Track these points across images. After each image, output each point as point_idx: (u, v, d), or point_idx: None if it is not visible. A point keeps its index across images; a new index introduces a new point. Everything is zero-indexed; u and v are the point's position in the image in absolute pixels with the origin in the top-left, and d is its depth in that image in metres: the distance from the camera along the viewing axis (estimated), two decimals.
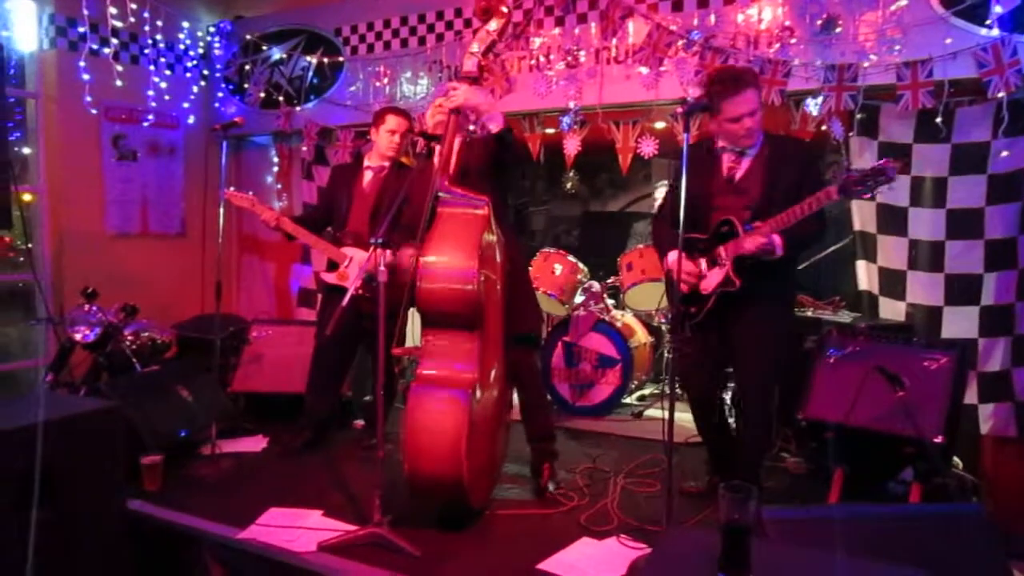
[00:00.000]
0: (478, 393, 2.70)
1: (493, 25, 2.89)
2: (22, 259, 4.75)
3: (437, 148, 2.95)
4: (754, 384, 2.84)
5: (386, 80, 4.65)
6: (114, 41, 4.71)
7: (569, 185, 5.96)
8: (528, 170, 6.04)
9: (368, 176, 3.65)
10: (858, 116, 3.44)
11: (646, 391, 4.85)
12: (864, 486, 2.84)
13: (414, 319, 3.13)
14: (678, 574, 1.66)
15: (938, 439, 2.50)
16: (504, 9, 2.91)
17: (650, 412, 4.42)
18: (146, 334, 3.98)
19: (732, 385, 3.63)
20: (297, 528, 2.71)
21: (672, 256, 2.79)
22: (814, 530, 2.13)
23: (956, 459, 3.21)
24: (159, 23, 4.93)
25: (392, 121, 3.60)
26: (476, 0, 3.05)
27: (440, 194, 2.77)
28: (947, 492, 2.70)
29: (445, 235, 2.70)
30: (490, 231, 2.77)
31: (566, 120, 4.09)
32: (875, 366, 2.66)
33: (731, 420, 3.51)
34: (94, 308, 3.72)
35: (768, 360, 2.79)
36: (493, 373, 2.88)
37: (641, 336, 4.66)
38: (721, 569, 1.58)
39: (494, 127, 2.85)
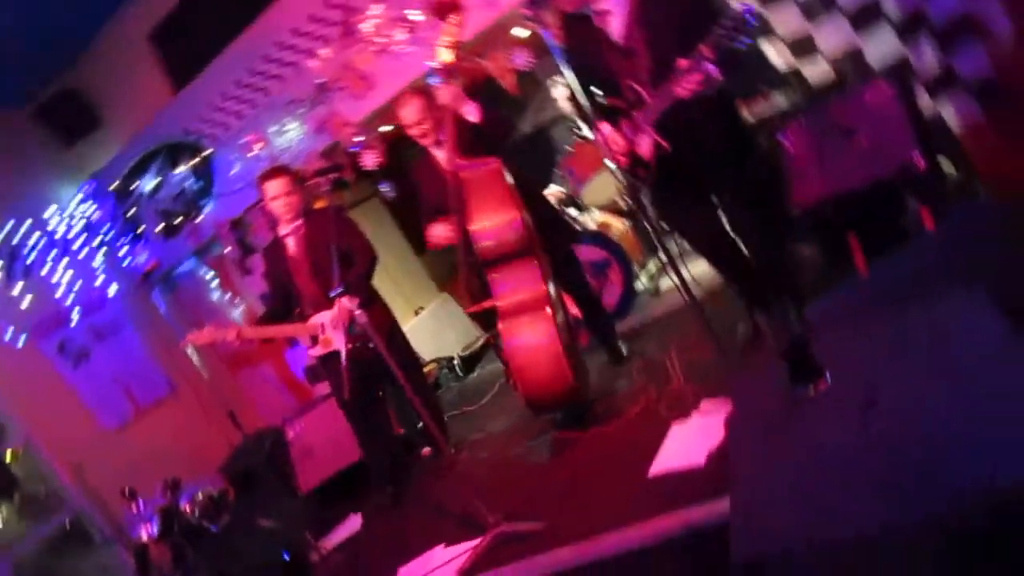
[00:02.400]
0: (552, 303, 3.14)
1: (454, 19, 3.04)
2: (52, 503, 4.72)
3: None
4: (738, 193, 2.80)
5: (259, 145, 4.54)
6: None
7: None
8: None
9: (290, 243, 3.60)
10: None
11: (652, 267, 4.87)
12: (881, 238, 2.86)
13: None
14: (765, 413, 1.69)
15: (920, 162, 2.52)
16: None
17: (665, 284, 4.44)
18: (200, 496, 3.98)
19: None
20: (433, 571, 2.75)
21: (605, 129, 2.75)
22: (860, 302, 2.17)
23: (948, 167, 3.23)
24: (28, 222, 4.78)
25: (269, 188, 3.54)
26: (429, 3, 3.43)
27: (460, 171, 3.12)
28: (952, 202, 2.73)
29: (480, 198, 3.11)
30: (508, 178, 3.16)
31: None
32: (829, 129, 2.66)
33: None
34: (141, 503, 3.71)
35: (735, 175, 2.76)
36: (552, 288, 3.28)
37: (619, 224, 4.66)
38: (798, 384, 1.61)
39: (472, 118, 3.19)
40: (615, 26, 2.70)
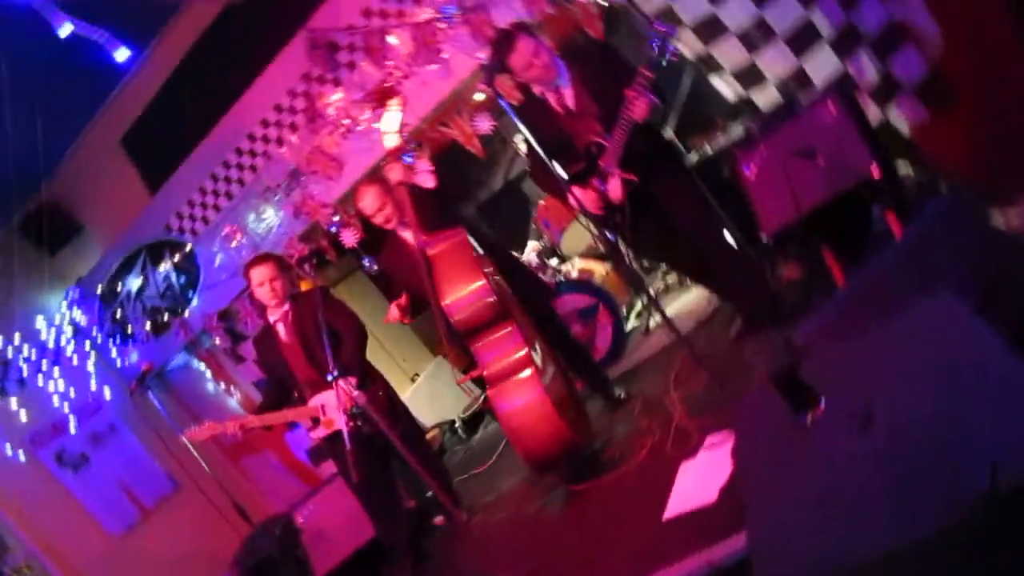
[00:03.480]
0: (537, 363, 3.16)
1: (395, 103, 3.27)
2: None
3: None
4: (704, 229, 3.12)
5: (238, 235, 4.60)
6: None
7: None
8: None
9: (281, 328, 3.63)
10: None
11: (637, 307, 4.92)
12: (855, 248, 2.94)
13: None
14: (768, 442, 1.72)
15: (875, 173, 2.60)
16: (390, 86, 3.46)
17: (654, 322, 4.48)
18: None
19: None
20: None
21: (575, 192, 2.92)
22: (843, 318, 2.21)
23: (906, 168, 3.33)
24: (17, 335, 4.79)
25: (255, 275, 3.58)
26: (367, 95, 3.77)
27: (426, 248, 3.20)
28: (913, 201, 2.82)
29: (448, 272, 3.16)
30: (473, 248, 3.26)
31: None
32: (787, 153, 2.75)
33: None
34: None
35: (697, 206, 3.11)
36: (538, 347, 3.33)
37: (600, 269, 4.72)
38: (795, 412, 1.63)
39: (429, 185, 3.41)
40: (566, 95, 2.99)
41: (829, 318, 2.23)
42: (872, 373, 1.64)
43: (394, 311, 3.53)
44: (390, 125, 3.26)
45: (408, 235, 3.41)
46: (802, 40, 3.39)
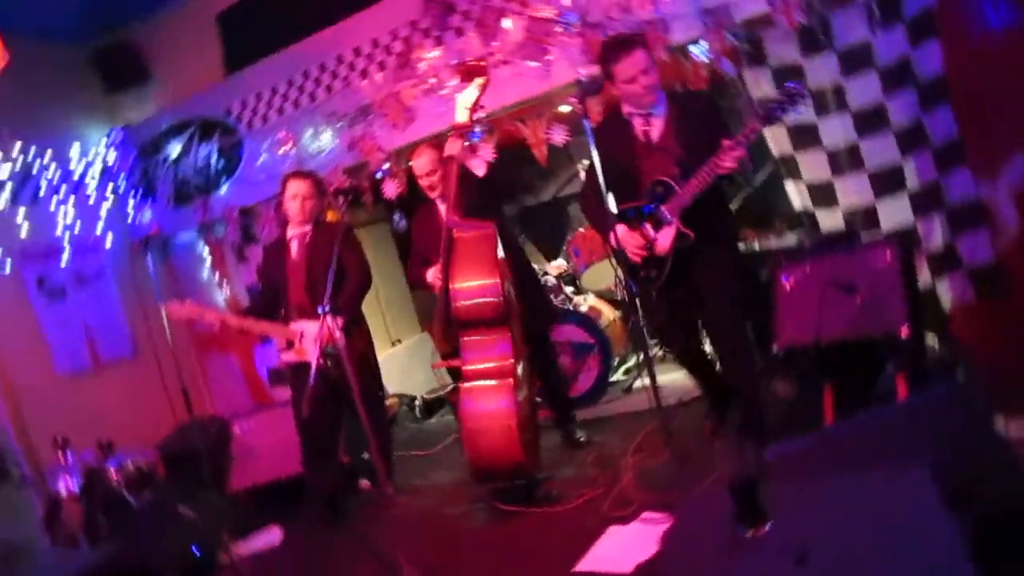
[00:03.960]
0: (519, 379, 3.15)
1: (478, 82, 3.26)
2: None
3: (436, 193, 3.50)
4: (727, 325, 2.98)
5: (289, 145, 4.62)
6: (8, 185, 4.59)
7: None
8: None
9: (294, 246, 3.64)
10: (744, 49, 3.53)
11: (630, 363, 4.91)
12: (854, 393, 2.93)
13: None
14: (701, 541, 1.71)
15: (904, 330, 2.59)
16: (483, 65, 3.32)
17: (639, 383, 4.47)
18: (130, 464, 3.90)
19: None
20: None
21: (619, 231, 2.89)
22: (818, 455, 2.20)
23: (933, 339, 3.32)
24: (49, 152, 4.82)
25: (292, 187, 3.60)
26: (459, 65, 3.67)
27: (454, 228, 3.20)
28: (929, 375, 2.80)
29: (466, 259, 3.15)
30: (499, 248, 3.22)
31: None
32: (828, 280, 2.74)
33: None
34: (69, 456, 3.63)
35: (731, 299, 2.94)
36: (522, 365, 3.31)
37: (609, 313, 4.72)
38: (739, 523, 1.63)
39: (479, 172, 3.34)
40: (654, 126, 2.88)
41: (806, 450, 2.22)
42: (825, 517, 1.63)
43: (436, 274, 3.45)
44: (466, 101, 3.29)
45: (443, 208, 3.43)
46: (887, 182, 3.40)
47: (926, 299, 3.28)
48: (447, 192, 3.34)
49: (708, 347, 3.44)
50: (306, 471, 3.71)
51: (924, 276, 3.32)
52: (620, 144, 2.88)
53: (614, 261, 3.01)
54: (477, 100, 3.29)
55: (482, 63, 3.37)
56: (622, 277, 2.98)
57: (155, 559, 3.16)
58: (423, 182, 3.50)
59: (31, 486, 3.90)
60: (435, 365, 3.42)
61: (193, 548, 3.39)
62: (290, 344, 3.58)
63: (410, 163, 3.57)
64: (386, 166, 4.34)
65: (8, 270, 4.51)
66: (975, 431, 2.05)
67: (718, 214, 2.92)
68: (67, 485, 3.65)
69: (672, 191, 2.79)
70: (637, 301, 2.93)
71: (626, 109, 2.91)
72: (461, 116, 3.27)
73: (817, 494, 1.75)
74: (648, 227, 2.91)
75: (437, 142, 3.60)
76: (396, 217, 4.55)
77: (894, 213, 3.39)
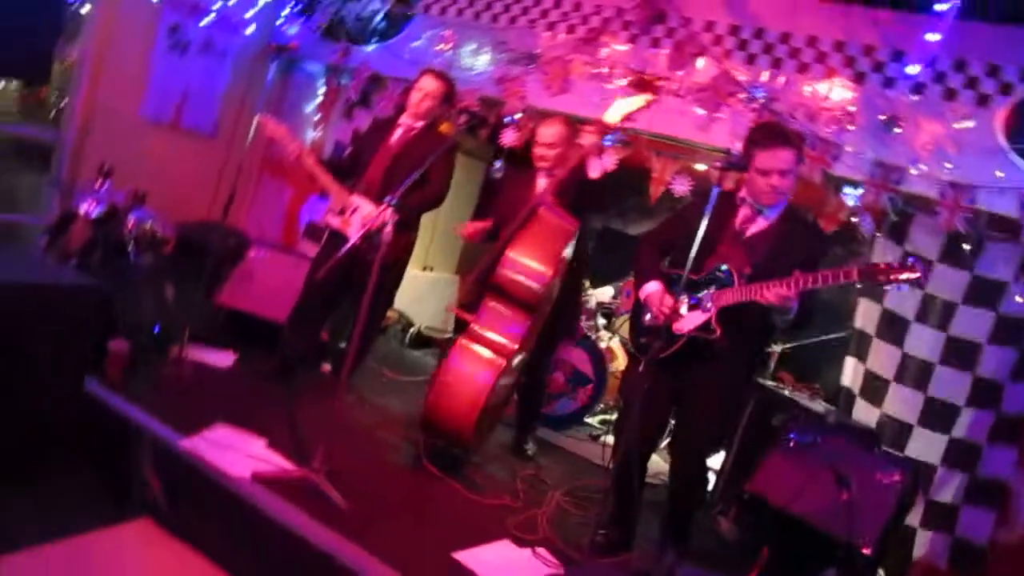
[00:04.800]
0: (511, 365, 3.18)
1: (646, 97, 3.29)
2: (51, 117, 4.77)
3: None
4: (698, 442, 2.84)
5: (450, 45, 4.63)
6: None
7: None
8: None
9: (398, 132, 3.67)
10: (891, 218, 3.43)
11: (610, 417, 4.88)
12: (787, 571, 2.87)
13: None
14: None
15: (867, 550, 2.53)
16: (658, 86, 3.44)
17: (608, 439, 4.45)
18: (148, 224, 4.00)
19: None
20: (238, 451, 2.75)
21: (650, 287, 2.80)
22: None
23: (881, 573, 3.24)
24: None
25: (425, 81, 3.62)
26: (637, 73, 3.80)
27: (543, 206, 3.24)
28: None
29: (535, 237, 3.18)
30: (570, 247, 3.26)
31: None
32: (829, 463, 2.68)
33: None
34: (106, 186, 3.74)
35: (718, 422, 2.83)
36: (522, 357, 3.34)
37: (621, 363, 4.68)
38: None
39: (593, 174, 3.28)
40: (756, 224, 2.75)
41: None
42: None
43: (471, 226, 3.62)
44: (623, 108, 3.27)
45: (542, 183, 3.43)
46: (937, 416, 3.32)
47: (902, 536, 3.20)
48: (557, 172, 3.34)
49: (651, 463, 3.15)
50: (287, 325, 3.77)
51: (914, 516, 3.24)
52: (715, 219, 2.63)
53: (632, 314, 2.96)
54: (633, 112, 3.28)
55: (658, 83, 3.36)
56: (630, 335, 2.93)
57: (120, 312, 3.26)
58: (539, 150, 3.49)
59: (57, 189, 4.03)
60: (449, 307, 3.43)
61: (155, 326, 3.49)
62: (342, 211, 3.62)
63: (539, 127, 3.55)
64: (518, 116, 4.33)
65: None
66: None
67: (753, 336, 2.74)
68: (87, 208, 3.76)
69: (729, 283, 2.65)
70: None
71: (742, 194, 2.78)
72: (612, 117, 3.26)
73: None
74: (687, 298, 2.75)
75: (570, 121, 3.58)
76: (498, 164, 4.55)
77: (925, 446, 3.29)
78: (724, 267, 2.68)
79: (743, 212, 2.78)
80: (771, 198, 2.69)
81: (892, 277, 2.34)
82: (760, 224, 2.74)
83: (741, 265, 2.67)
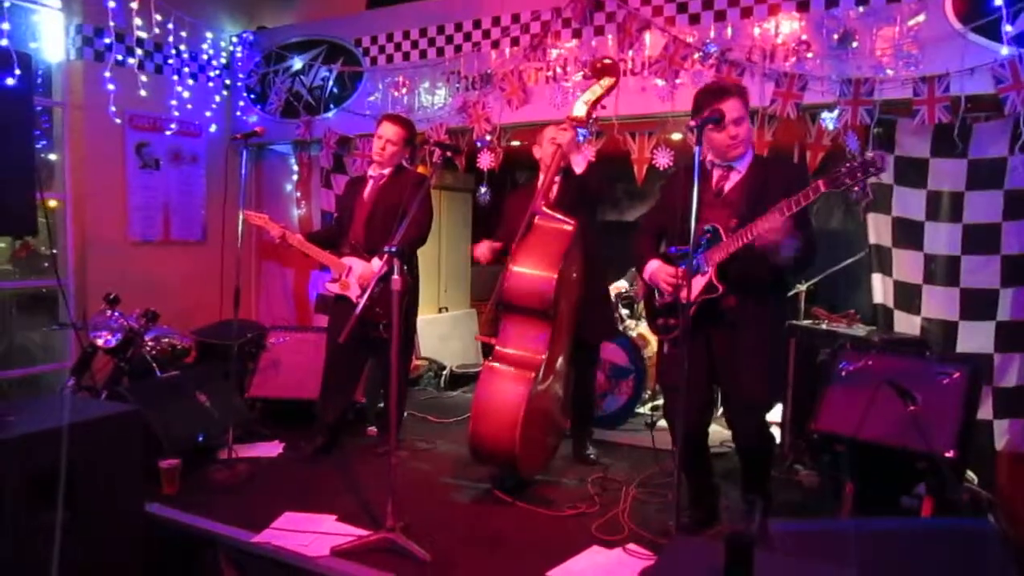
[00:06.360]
0: (542, 375, 3.15)
1: (606, 82, 3.32)
2: (46, 265, 4.87)
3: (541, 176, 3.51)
4: (747, 402, 2.72)
5: (404, 90, 4.71)
6: (139, 51, 4.82)
7: None
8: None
9: (369, 185, 3.73)
10: (874, 130, 3.43)
11: (659, 401, 4.84)
12: (876, 500, 2.82)
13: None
14: None
15: (950, 454, 2.49)
16: (615, 66, 3.38)
17: (663, 423, 4.41)
18: (166, 340, 4.05)
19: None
20: (311, 532, 2.75)
21: (650, 266, 2.81)
22: (822, 544, 2.13)
23: (971, 474, 3.19)
24: (183, 34, 5.04)
25: (384, 128, 3.65)
26: (591, 61, 3.77)
27: (537, 215, 3.26)
28: (959, 507, 2.68)
29: (534, 246, 3.19)
30: (574, 247, 3.24)
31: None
32: (887, 380, 2.64)
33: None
34: (116, 314, 3.80)
35: (760, 377, 2.68)
36: (559, 362, 3.33)
37: (655, 346, 4.66)
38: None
39: (578, 169, 3.29)
40: (730, 179, 2.73)
41: (812, 533, 2.16)
42: None
43: (484, 248, 3.64)
44: (588, 97, 3.31)
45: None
46: (978, 305, 3.28)
47: (980, 432, 3.14)
48: (544, 178, 3.37)
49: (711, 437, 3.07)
50: (320, 398, 3.78)
51: (984, 409, 3.18)
52: (692, 190, 2.52)
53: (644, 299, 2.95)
54: (599, 99, 3.30)
55: (614, 64, 3.38)
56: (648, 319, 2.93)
57: (161, 431, 3.28)
58: (542, 157, 3.56)
59: (75, 331, 4.09)
60: (478, 336, 3.46)
61: (198, 435, 3.51)
62: (338, 277, 3.65)
63: (546, 130, 3.58)
64: (488, 138, 4.39)
65: (119, 121, 4.74)
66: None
67: (762, 287, 2.66)
68: (105, 339, 3.81)
69: (717, 240, 2.64)
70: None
71: (709, 159, 2.76)
72: (579, 110, 3.29)
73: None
74: (682, 269, 2.67)
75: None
76: (483, 189, 4.58)
77: (975, 337, 3.25)
78: (709, 227, 2.67)
79: (716, 174, 2.77)
80: (735, 149, 2.68)
81: (858, 175, 2.37)
82: (733, 179, 2.74)
83: (726, 221, 2.66)
